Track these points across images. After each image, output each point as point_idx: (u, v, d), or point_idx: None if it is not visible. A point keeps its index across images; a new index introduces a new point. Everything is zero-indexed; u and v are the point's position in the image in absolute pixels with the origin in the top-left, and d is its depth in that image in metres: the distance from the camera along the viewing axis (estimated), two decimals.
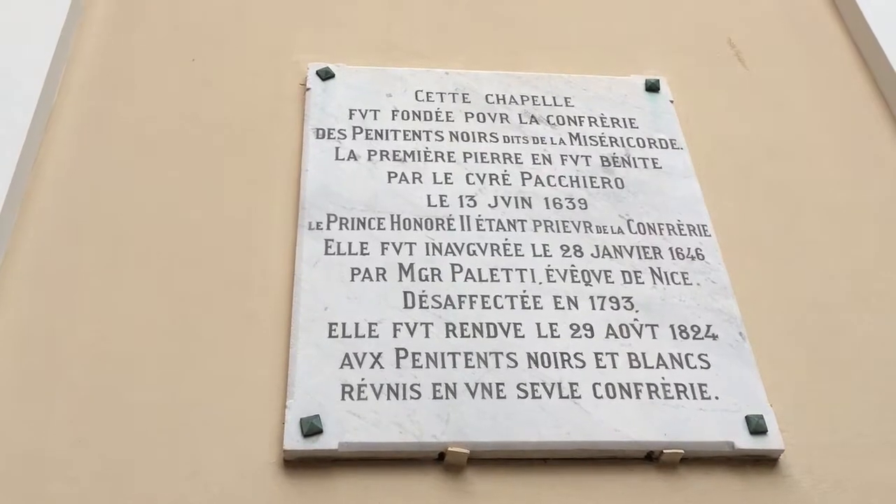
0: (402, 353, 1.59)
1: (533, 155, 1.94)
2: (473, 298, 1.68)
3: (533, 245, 1.77)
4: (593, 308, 1.69)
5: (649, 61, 2.22)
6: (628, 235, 1.82)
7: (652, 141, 2.01)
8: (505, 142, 1.96)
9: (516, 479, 1.52)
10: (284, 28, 2.19)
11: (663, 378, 1.61)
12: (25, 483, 1.44)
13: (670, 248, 1.81)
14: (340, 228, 1.75)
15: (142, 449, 1.49)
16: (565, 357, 1.62)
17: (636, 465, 1.56)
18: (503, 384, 1.57)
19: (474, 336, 1.63)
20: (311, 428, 1.48)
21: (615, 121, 2.04)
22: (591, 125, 2.02)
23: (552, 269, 1.74)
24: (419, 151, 1.91)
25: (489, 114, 2.01)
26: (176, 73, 2.05)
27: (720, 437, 1.56)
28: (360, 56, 2.11)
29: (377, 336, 1.60)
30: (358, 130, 1.93)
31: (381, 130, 1.94)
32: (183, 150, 1.90)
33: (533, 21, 2.31)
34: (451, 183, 1.86)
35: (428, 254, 1.73)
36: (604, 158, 1.96)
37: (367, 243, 1.73)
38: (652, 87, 2.12)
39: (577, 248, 1.78)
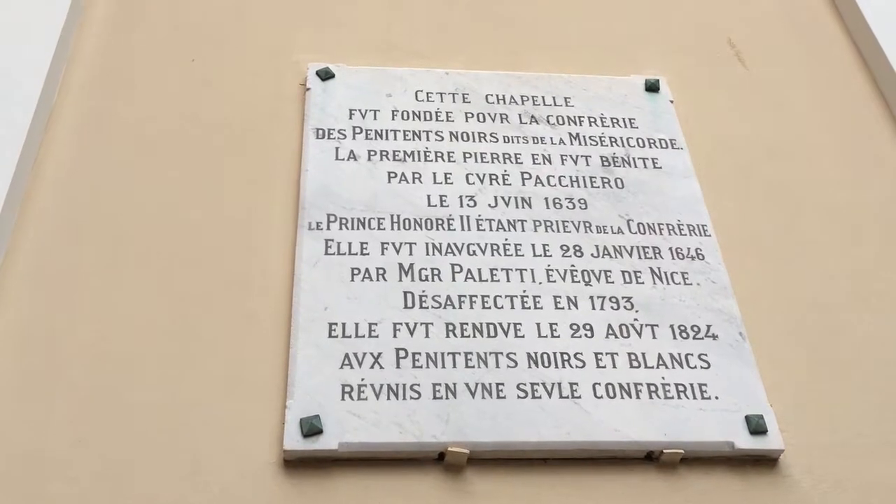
0: (402, 354, 1.59)
1: (533, 155, 1.94)
2: (473, 298, 1.68)
3: (533, 245, 1.77)
4: (593, 308, 1.69)
5: (649, 61, 2.22)
6: (628, 235, 1.82)
7: (652, 141, 2.01)
8: (505, 142, 1.96)
9: (516, 479, 1.52)
10: (284, 28, 2.19)
11: (663, 378, 1.61)
12: (25, 483, 1.44)
13: (670, 248, 1.81)
14: (340, 228, 1.75)
15: (142, 449, 1.49)
16: (565, 357, 1.62)
17: (636, 465, 1.56)
18: (503, 384, 1.57)
19: (474, 336, 1.63)
20: (311, 428, 1.48)
21: (615, 121, 2.04)
22: (591, 125, 2.02)
23: (552, 269, 1.74)
24: (419, 151, 1.91)
25: (489, 114, 2.01)
26: (176, 73, 2.05)
27: (720, 437, 1.56)
28: (360, 56, 2.11)
29: (377, 336, 1.60)
30: (358, 130, 1.93)
31: (381, 130, 1.94)
32: (183, 150, 1.90)
33: (533, 21, 2.31)
34: (451, 183, 1.86)
35: (428, 254, 1.73)
36: (604, 158, 1.96)
37: (366, 243, 1.73)
38: (652, 87, 2.12)
39: (577, 248, 1.78)
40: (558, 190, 1.88)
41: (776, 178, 2.02)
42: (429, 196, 1.83)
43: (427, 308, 1.65)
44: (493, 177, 1.88)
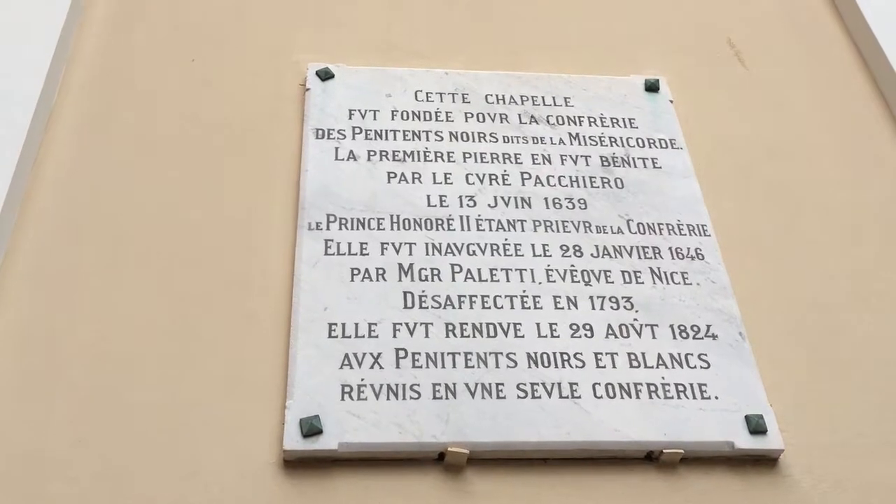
0: (401, 354, 1.59)
1: (533, 155, 1.94)
2: (473, 298, 1.68)
3: (533, 245, 1.77)
4: (593, 308, 1.69)
5: (649, 61, 2.22)
6: (628, 235, 1.82)
7: (652, 141, 2.01)
8: (505, 142, 1.96)
9: (516, 479, 1.52)
10: (284, 28, 2.19)
11: (663, 378, 1.61)
12: (25, 483, 1.44)
13: (670, 248, 1.81)
14: (340, 229, 1.75)
15: (142, 449, 1.49)
16: (565, 357, 1.62)
17: (636, 465, 1.56)
18: (503, 384, 1.57)
19: (474, 336, 1.63)
20: (311, 428, 1.48)
21: (615, 121, 2.04)
22: (590, 125, 2.02)
23: (552, 269, 1.74)
24: (419, 151, 1.91)
25: (489, 114, 2.01)
26: (176, 73, 2.05)
27: (720, 436, 1.56)
28: (359, 56, 2.11)
29: (377, 336, 1.60)
30: (357, 130, 1.93)
31: (381, 130, 1.94)
32: (183, 150, 1.90)
33: (533, 21, 2.31)
34: (451, 183, 1.86)
35: (428, 254, 1.73)
36: (603, 158, 1.96)
37: (366, 243, 1.73)
38: (652, 87, 2.12)
39: (577, 248, 1.78)
40: (558, 190, 1.88)
41: (776, 178, 2.02)
42: (429, 196, 1.83)
43: (427, 308, 1.65)
44: (493, 177, 1.88)
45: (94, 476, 1.46)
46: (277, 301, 1.68)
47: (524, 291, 1.70)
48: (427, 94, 2.03)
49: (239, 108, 2.00)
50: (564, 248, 1.78)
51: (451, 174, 1.87)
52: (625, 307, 1.70)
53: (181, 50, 2.10)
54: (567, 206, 1.85)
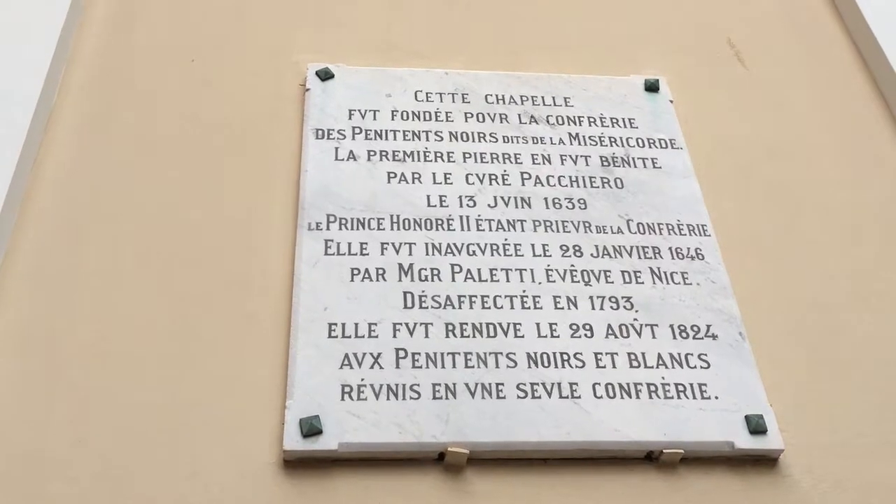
0: (401, 354, 1.59)
1: (532, 155, 1.94)
2: (473, 298, 1.68)
3: (533, 245, 1.77)
4: (593, 308, 1.69)
5: (649, 61, 2.22)
6: (628, 235, 1.82)
7: (651, 141, 2.01)
8: (504, 142, 1.96)
9: (516, 479, 1.52)
10: (284, 28, 2.19)
11: (663, 378, 1.61)
12: (25, 483, 1.44)
13: (670, 248, 1.81)
14: (340, 229, 1.75)
15: (142, 449, 1.49)
16: (565, 357, 1.62)
17: (636, 465, 1.56)
18: (503, 384, 1.57)
19: (474, 336, 1.63)
20: (311, 428, 1.48)
21: (615, 121, 2.04)
22: (590, 125, 2.02)
23: (552, 269, 1.74)
24: (419, 151, 1.91)
25: (489, 114, 2.01)
26: (176, 73, 2.05)
27: (720, 436, 1.56)
28: (359, 56, 2.11)
29: (377, 336, 1.60)
30: (357, 131, 1.93)
31: (381, 131, 1.94)
32: (183, 150, 1.91)
33: (533, 21, 2.31)
34: (451, 183, 1.86)
35: (428, 254, 1.73)
36: (603, 158, 1.96)
37: (366, 243, 1.73)
38: (651, 87, 2.12)
39: (577, 248, 1.78)
40: (558, 190, 1.88)
41: (776, 178, 2.02)
42: (428, 196, 1.83)
43: (427, 308, 1.65)
44: (493, 177, 1.88)
45: (94, 476, 1.46)
46: (277, 301, 1.68)
47: (524, 291, 1.70)
48: (427, 94, 2.03)
49: (239, 108, 2.00)
50: (564, 248, 1.78)
51: (451, 174, 1.87)
52: (625, 307, 1.70)
53: (181, 50, 2.10)
54: (567, 206, 1.85)
